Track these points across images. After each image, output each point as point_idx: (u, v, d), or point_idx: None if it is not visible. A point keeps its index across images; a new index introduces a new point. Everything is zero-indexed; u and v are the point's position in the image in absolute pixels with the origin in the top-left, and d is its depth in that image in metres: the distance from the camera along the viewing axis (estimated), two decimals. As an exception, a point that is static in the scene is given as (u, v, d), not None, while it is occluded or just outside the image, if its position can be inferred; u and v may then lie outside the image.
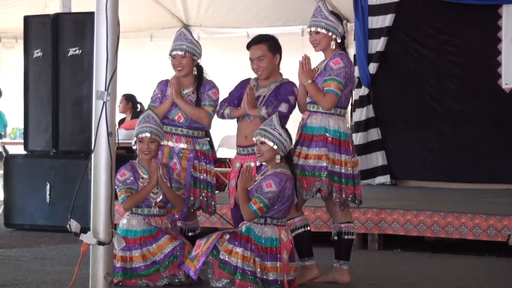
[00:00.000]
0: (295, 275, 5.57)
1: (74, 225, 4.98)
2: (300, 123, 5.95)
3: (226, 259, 5.41)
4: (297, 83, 6.01)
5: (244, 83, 6.17)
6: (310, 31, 5.91)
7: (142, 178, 5.88)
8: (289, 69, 6.53)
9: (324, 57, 5.94)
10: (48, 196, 8.75)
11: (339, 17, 5.96)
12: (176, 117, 6.19)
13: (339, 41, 5.89)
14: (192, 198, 6.16)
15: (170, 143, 6.16)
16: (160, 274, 5.70)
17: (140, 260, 5.71)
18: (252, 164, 5.86)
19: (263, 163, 5.70)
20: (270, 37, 6.11)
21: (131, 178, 5.85)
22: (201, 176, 6.21)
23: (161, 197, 5.89)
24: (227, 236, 5.47)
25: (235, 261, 5.40)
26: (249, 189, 5.53)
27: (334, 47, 5.88)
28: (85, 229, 4.93)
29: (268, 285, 5.39)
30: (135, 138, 5.95)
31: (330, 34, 5.84)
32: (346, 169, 5.80)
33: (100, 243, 4.84)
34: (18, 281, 5.86)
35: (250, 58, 6.07)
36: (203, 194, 6.20)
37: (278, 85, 6.01)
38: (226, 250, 5.42)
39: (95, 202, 4.87)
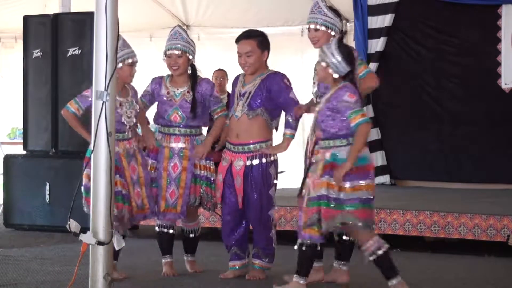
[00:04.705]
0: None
1: (73, 225, 4.98)
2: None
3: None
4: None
5: (235, 81, 6.22)
6: (309, 27, 5.89)
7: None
8: (289, 69, 6.51)
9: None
10: (47, 196, 8.75)
11: (337, 12, 5.94)
12: (172, 117, 6.20)
13: (337, 37, 5.86)
14: (192, 195, 6.17)
15: (169, 144, 6.17)
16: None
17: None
18: (242, 163, 5.92)
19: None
20: (260, 33, 6.10)
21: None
22: (201, 173, 6.22)
23: (134, 120, 6.07)
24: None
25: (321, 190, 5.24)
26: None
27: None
28: (84, 229, 4.93)
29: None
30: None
31: (329, 31, 5.82)
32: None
33: (99, 243, 4.84)
34: (17, 281, 5.86)
35: (238, 52, 6.06)
36: (203, 189, 6.21)
37: (264, 78, 6.03)
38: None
39: (94, 202, 4.87)
